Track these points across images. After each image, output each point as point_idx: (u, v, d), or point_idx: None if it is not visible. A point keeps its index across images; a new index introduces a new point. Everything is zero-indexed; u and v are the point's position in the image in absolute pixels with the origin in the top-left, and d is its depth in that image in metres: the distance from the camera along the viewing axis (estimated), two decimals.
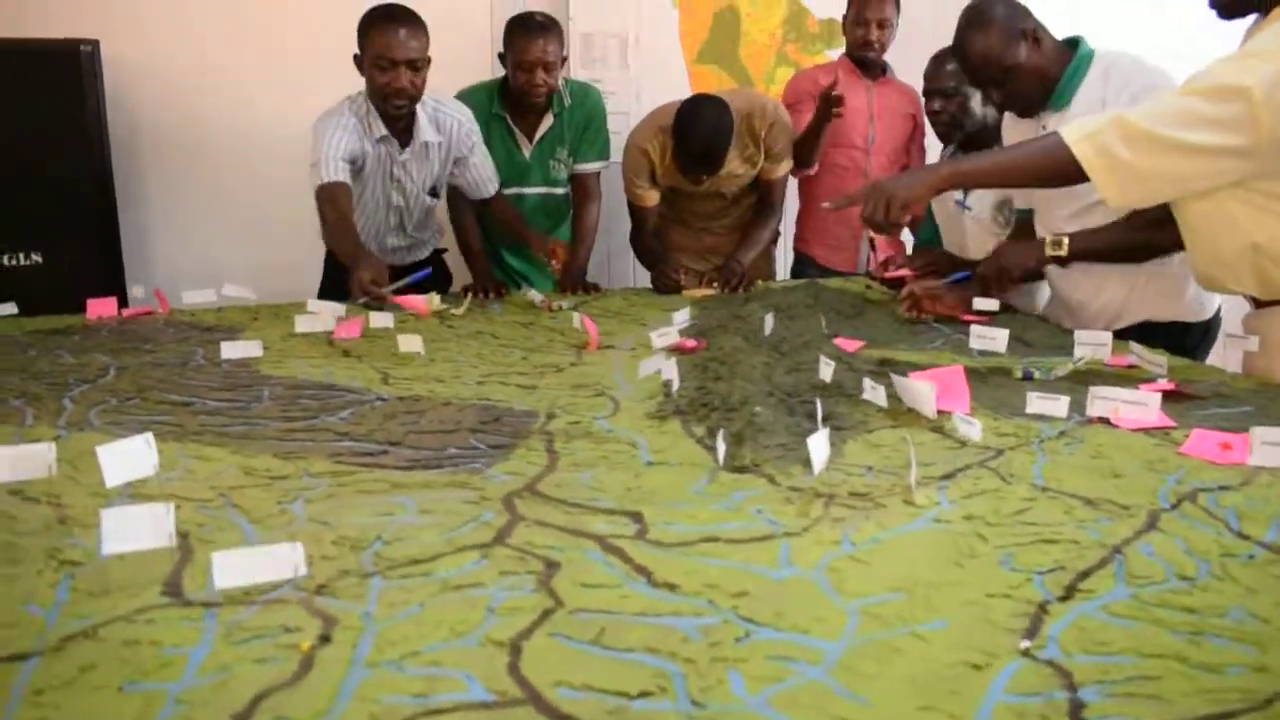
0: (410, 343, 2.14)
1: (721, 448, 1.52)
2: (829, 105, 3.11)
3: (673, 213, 3.32)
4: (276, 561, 1.10)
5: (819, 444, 1.45)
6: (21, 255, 3.05)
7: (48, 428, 1.75)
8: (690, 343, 2.25)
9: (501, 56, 3.02)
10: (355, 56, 2.65)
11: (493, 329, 2.55)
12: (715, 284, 3.08)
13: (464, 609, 1.08)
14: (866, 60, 3.39)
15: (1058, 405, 1.72)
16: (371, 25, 2.63)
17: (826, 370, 1.86)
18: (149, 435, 1.39)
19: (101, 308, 2.76)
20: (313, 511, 1.37)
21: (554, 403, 1.88)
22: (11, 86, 2.97)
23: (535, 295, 2.89)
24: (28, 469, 1.40)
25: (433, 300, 2.67)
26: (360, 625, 1.05)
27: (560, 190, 3.24)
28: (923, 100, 3.11)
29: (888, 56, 3.42)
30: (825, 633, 1.03)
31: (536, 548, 1.24)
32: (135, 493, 1.44)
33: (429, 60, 2.69)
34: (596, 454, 1.60)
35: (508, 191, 3.13)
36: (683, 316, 2.43)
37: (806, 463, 1.49)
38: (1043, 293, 2.73)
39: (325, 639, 1.03)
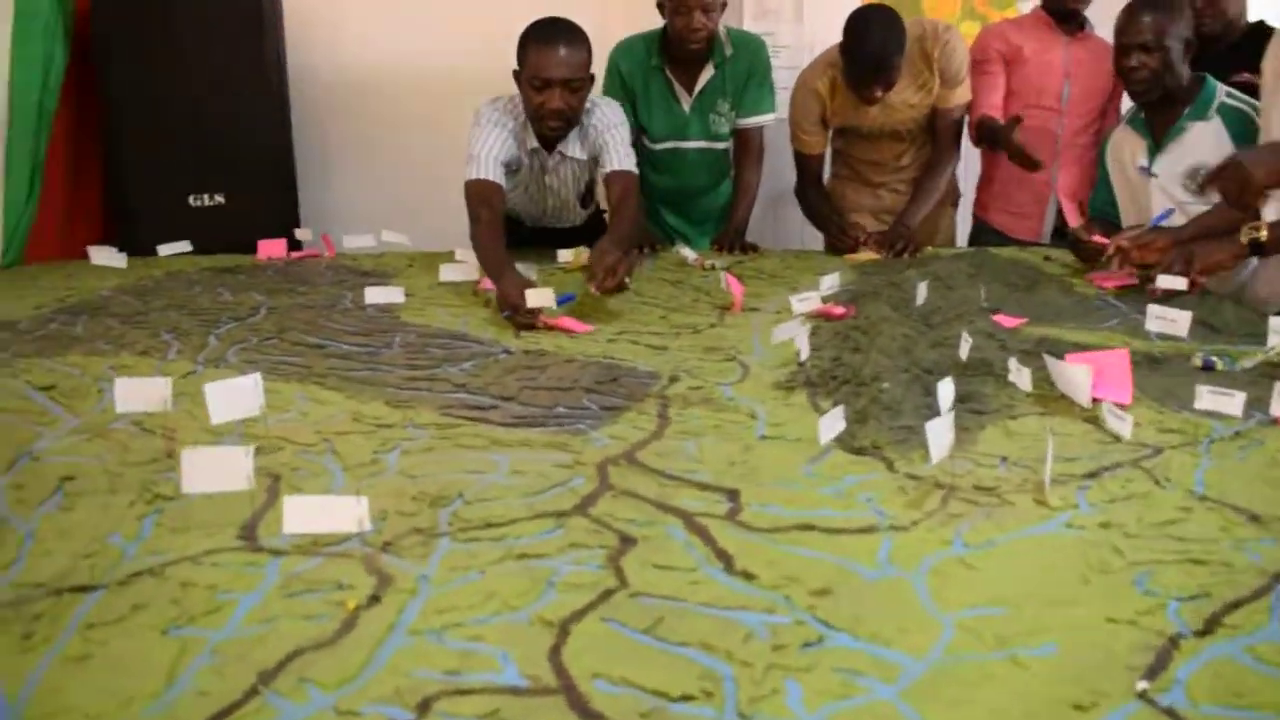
0: (540, 296, 2.07)
1: (839, 425, 1.40)
2: (1015, 151, 2.88)
3: (846, 169, 3.14)
4: (341, 513, 1.06)
5: (939, 430, 1.30)
6: (205, 196, 3.16)
7: (187, 361, 1.79)
8: (839, 309, 2.11)
9: (660, 4, 2.90)
10: (514, 72, 2.48)
11: (637, 285, 2.47)
12: (880, 247, 2.90)
13: (523, 581, 1.01)
14: (1065, 12, 3.10)
15: (1233, 402, 1.50)
16: (529, 41, 2.43)
17: (965, 347, 1.69)
18: (257, 375, 1.38)
19: (271, 249, 2.84)
20: (405, 464, 1.33)
21: (680, 365, 1.79)
22: (194, 32, 3.07)
23: (688, 253, 2.80)
24: (144, 401, 1.42)
25: (580, 254, 2.61)
26: (414, 588, 1.00)
27: (721, 145, 3.10)
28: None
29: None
30: (909, 647, 0.91)
31: (616, 520, 1.15)
32: (246, 431, 1.44)
33: (590, 79, 2.49)
34: (709, 422, 1.51)
35: (665, 146, 3.02)
36: (831, 281, 2.29)
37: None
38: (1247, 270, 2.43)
39: (375, 599, 0.98)
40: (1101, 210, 2.76)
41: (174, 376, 1.63)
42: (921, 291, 2.15)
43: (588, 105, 2.55)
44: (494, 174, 2.46)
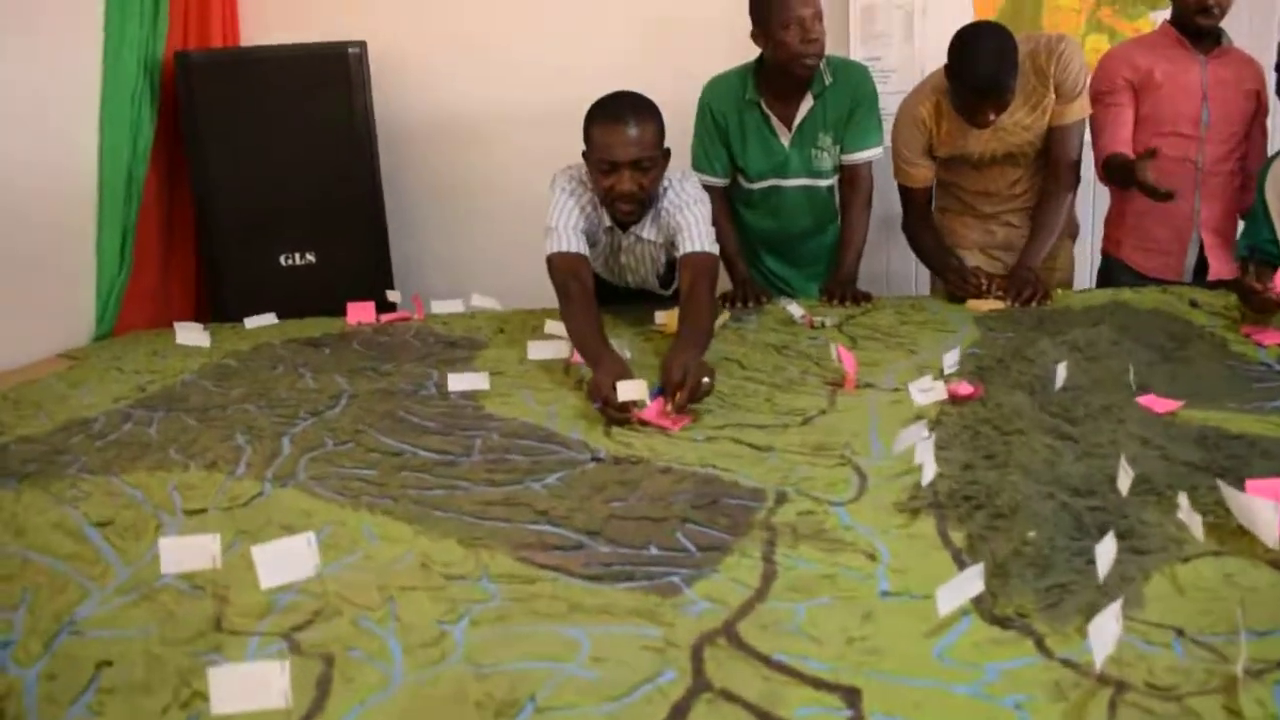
0: (632, 389, 1.87)
1: (973, 588, 1.18)
2: (1147, 186, 2.56)
3: (954, 201, 2.87)
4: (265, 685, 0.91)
5: (1104, 628, 1.06)
6: (297, 255, 3.08)
7: (254, 481, 1.66)
8: (965, 388, 1.88)
9: (757, 30, 2.67)
10: (583, 152, 2.28)
11: (743, 352, 2.27)
12: (1004, 295, 2.64)
13: None
14: (1200, 29, 2.76)
15: None
16: (593, 121, 2.22)
17: (1125, 480, 1.43)
18: (310, 536, 1.23)
19: (360, 312, 2.73)
20: (473, 642, 1.16)
21: (788, 475, 1.59)
22: (285, 90, 2.98)
23: (795, 310, 2.58)
24: (192, 561, 1.28)
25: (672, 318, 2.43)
26: None
27: (825, 182, 2.85)
28: (1275, 75, 2.49)
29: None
30: None
31: None
32: (302, 589, 1.29)
33: (664, 155, 2.27)
34: (822, 569, 1.30)
35: (764, 185, 2.80)
36: (953, 358, 2.05)
37: (1091, 612, 1.12)
38: None
39: None
40: (1261, 249, 2.44)
41: (236, 504, 1.50)
42: (1060, 374, 1.90)
43: (664, 183, 2.33)
44: (577, 245, 2.28)
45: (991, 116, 2.53)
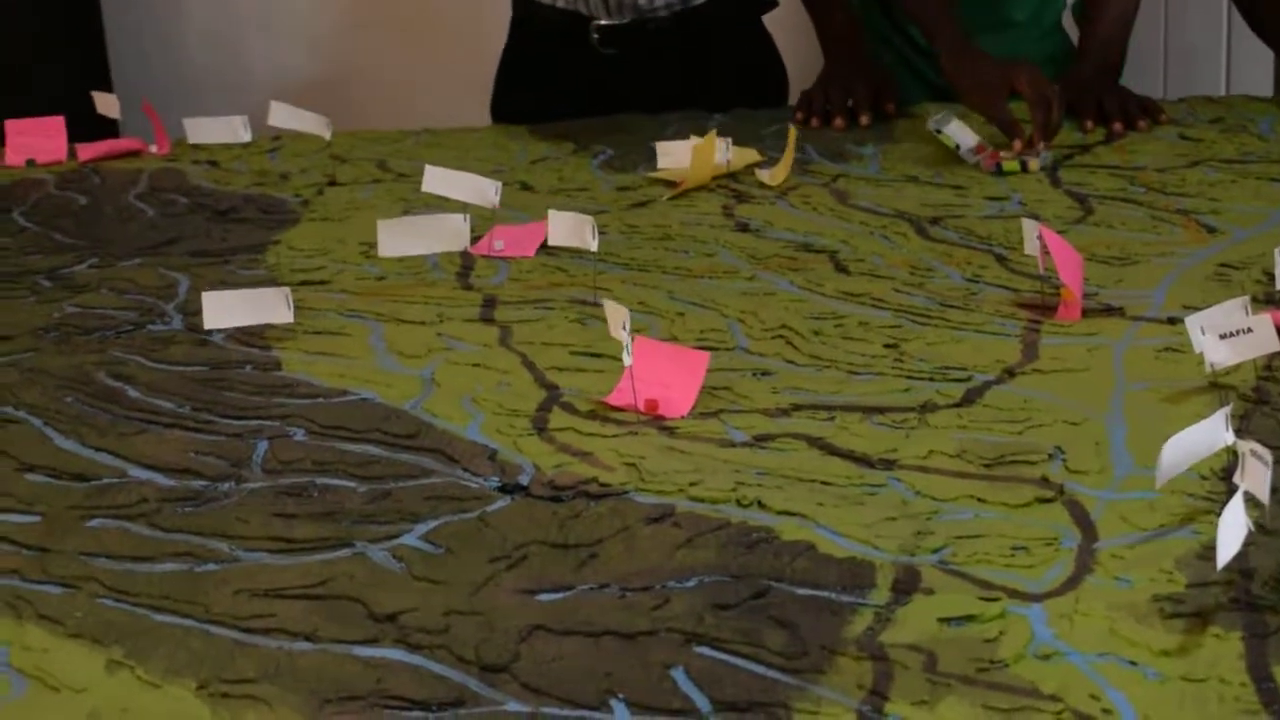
0: (614, 317, 0.93)
1: None
2: None
3: None
4: None
5: None
6: None
7: None
8: None
9: None
10: None
11: (839, 235, 1.26)
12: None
13: None
14: None
15: None
16: None
17: None
18: None
19: (32, 141, 1.53)
20: None
21: (925, 525, 0.75)
22: None
23: (960, 132, 1.40)
24: None
25: (708, 152, 1.36)
26: None
27: None
28: None
29: None
30: None
31: None
32: None
33: None
34: None
35: None
36: None
37: None
38: None
39: None
40: None
41: None
42: None
43: None
44: None
45: None
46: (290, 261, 1.25)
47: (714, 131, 1.40)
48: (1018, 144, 1.35)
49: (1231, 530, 0.65)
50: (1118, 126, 1.46)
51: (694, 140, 1.37)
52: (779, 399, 0.94)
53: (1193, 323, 0.90)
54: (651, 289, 1.15)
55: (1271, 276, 1.01)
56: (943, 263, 1.17)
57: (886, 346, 1.01)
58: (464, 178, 1.23)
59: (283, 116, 1.51)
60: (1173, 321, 0.99)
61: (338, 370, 1.01)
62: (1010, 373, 0.96)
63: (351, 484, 0.83)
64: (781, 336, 1.05)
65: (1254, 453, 0.68)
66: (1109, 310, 1.05)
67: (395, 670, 0.62)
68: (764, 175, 1.39)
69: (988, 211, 1.28)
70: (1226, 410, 0.75)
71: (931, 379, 0.96)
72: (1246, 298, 0.93)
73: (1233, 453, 0.73)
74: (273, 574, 0.72)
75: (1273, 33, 1.65)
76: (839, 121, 1.53)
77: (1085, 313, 1.04)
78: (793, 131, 1.40)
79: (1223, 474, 0.77)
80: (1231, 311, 0.91)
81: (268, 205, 1.41)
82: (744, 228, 1.29)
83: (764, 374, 0.99)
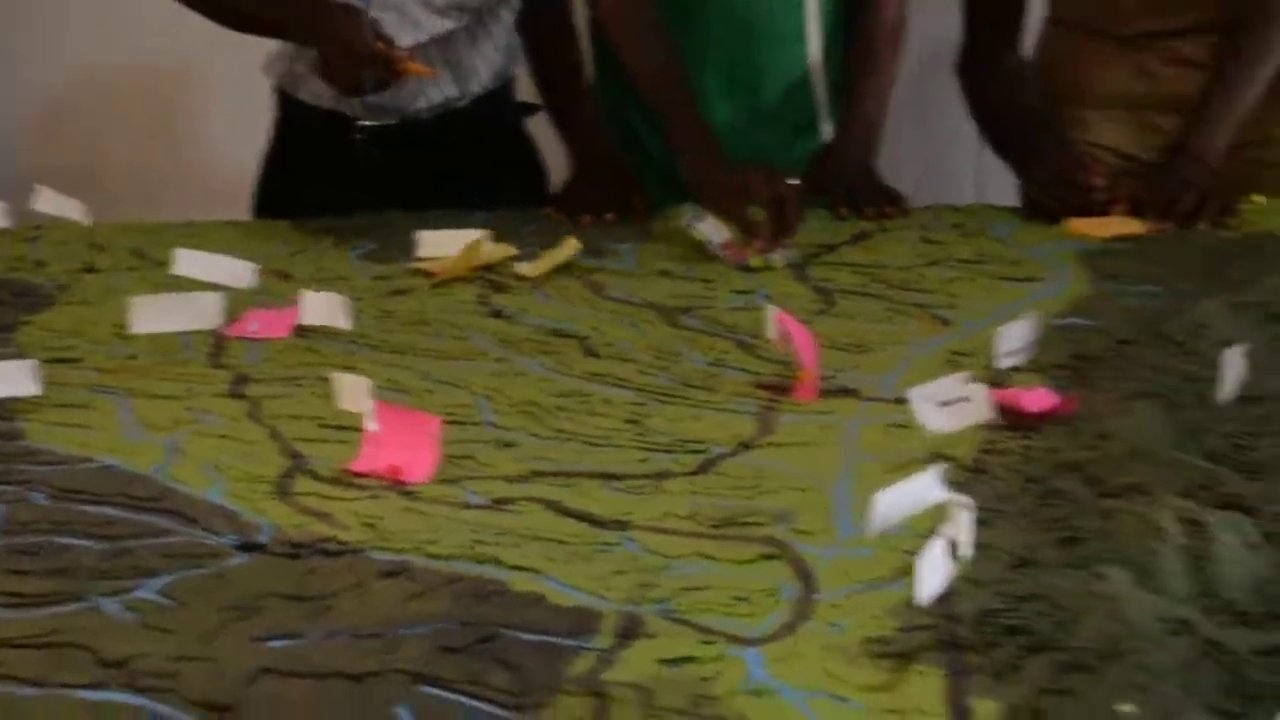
0: (354, 389, 0.95)
1: None
2: None
3: (1074, 10, 1.59)
4: None
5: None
6: None
7: None
8: (1040, 397, 1.00)
9: None
10: None
11: (596, 320, 1.27)
12: (1144, 203, 1.45)
13: None
14: None
15: None
16: None
17: None
18: None
19: None
20: None
21: (650, 580, 0.75)
22: None
23: (709, 230, 1.44)
24: None
25: (474, 249, 1.37)
26: None
27: None
28: None
29: None
30: None
31: None
32: None
33: None
34: None
35: None
36: (1020, 336, 1.08)
37: None
38: None
39: None
40: None
41: None
42: (1234, 369, 0.98)
43: None
44: None
45: None
46: (42, 340, 1.18)
47: (482, 234, 1.39)
48: (758, 243, 1.39)
49: (930, 568, 0.68)
50: (869, 213, 1.50)
51: (460, 232, 1.38)
52: (520, 466, 0.94)
53: (915, 394, 0.95)
54: (404, 369, 1.13)
55: (993, 363, 1.07)
56: (688, 348, 1.20)
57: (628, 421, 1.02)
58: (219, 260, 1.25)
59: (48, 202, 1.47)
60: (900, 401, 1.01)
61: (81, 439, 0.95)
62: (746, 446, 0.98)
63: (89, 543, 0.78)
64: (528, 412, 1.05)
65: (959, 504, 0.72)
66: (844, 391, 1.09)
67: (121, 713, 0.60)
68: (523, 268, 1.39)
69: (735, 304, 1.31)
70: (939, 468, 0.78)
71: (669, 450, 0.97)
72: (969, 374, 0.98)
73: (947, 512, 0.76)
74: (2, 627, 0.68)
75: (996, 143, 1.69)
76: (586, 218, 1.53)
77: (822, 394, 1.08)
78: (571, 240, 1.39)
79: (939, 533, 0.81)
80: (952, 385, 0.97)
81: (22, 289, 1.33)
82: (497, 314, 1.29)
83: (507, 445, 0.98)
